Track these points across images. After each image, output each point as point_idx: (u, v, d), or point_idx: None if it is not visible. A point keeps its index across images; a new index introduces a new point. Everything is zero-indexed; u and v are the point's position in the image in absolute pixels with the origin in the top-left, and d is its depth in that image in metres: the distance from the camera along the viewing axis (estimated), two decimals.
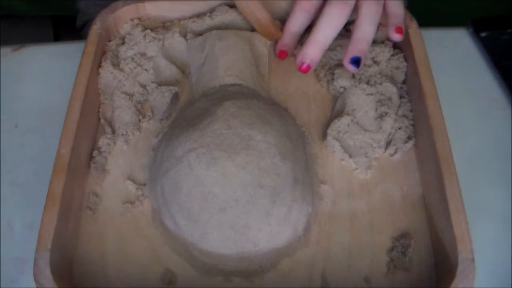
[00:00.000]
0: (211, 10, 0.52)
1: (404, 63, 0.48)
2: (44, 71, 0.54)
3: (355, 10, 0.45)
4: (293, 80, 0.49)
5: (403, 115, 0.46)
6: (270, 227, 0.39)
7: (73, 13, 0.72)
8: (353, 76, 0.48)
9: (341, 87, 0.48)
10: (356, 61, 0.44)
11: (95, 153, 0.45)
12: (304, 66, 0.46)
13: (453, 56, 0.53)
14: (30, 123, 0.50)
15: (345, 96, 0.47)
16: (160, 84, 0.48)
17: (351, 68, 0.45)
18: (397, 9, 0.46)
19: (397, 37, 0.46)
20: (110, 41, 0.51)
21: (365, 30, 0.44)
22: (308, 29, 0.48)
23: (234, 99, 0.43)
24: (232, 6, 0.51)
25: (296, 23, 0.48)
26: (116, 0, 0.51)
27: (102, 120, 0.47)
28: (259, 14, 0.49)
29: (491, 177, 0.46)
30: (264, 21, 0.49)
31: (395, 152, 0.44)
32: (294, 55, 0.50)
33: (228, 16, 0.51)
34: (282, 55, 0.49)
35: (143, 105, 0.48)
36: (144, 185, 0.44)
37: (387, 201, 0.42)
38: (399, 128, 0.45)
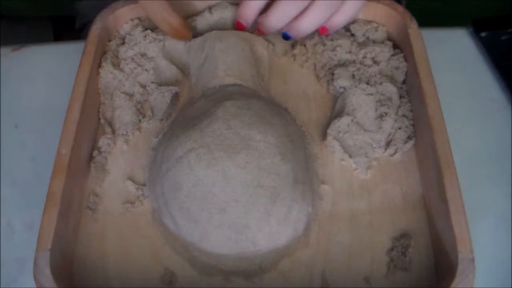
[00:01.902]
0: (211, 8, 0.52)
1: (404, 63, 0.48)
2: (44, 71, 0.54)
3: None
4: (293, 80, 0.49)
5: (403, 115, 0.46)
6: (270, 227, 0.39)
7: (73, 13, 0.72)
8: (353, 76, 0.47)
9: (341, 87, 0.48)
10: (285, 37, 0.47)
11: (95, 153, 0.45)
12: (238, 24, 0.47)
13: (453, 56, 0.53)
14: (30, 123, 0.50)
15: (345, 96, 0.47)
16: (160, 84, 0.48)
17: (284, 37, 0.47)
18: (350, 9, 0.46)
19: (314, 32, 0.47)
20: (110, 41, 0.51)
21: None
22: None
23: (234, 99, 0.43)
24: (233, 3, 0.51)
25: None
26: (114, 1, 0.51)
27: (102, 120, 0.47)
28: (168, 16, 0.47)
29: (491, 177, 0.46)
30: (175, 24, 0.48)
31: (395, 152, 0.44)
32: (294, 55, 0.51)
33: (228, 12, 0.51)
34: (239, 26, 0.48)
35: (143, 105, 0.48)
36: (144, 185, 0.44)
37: (387, 201, 0.42)
38: (399, 128, 0.45)
